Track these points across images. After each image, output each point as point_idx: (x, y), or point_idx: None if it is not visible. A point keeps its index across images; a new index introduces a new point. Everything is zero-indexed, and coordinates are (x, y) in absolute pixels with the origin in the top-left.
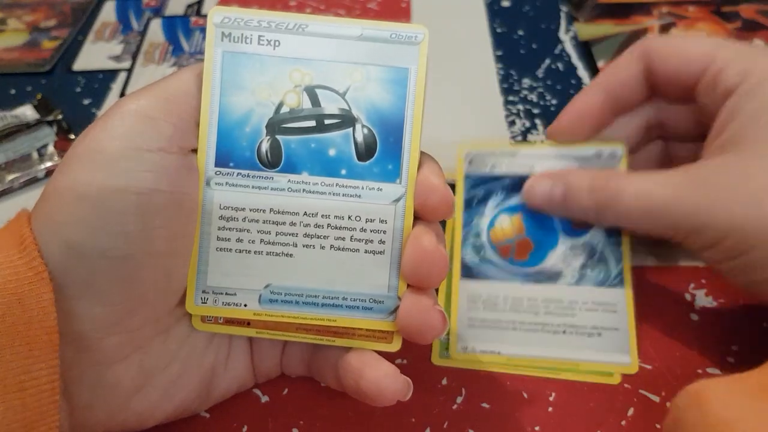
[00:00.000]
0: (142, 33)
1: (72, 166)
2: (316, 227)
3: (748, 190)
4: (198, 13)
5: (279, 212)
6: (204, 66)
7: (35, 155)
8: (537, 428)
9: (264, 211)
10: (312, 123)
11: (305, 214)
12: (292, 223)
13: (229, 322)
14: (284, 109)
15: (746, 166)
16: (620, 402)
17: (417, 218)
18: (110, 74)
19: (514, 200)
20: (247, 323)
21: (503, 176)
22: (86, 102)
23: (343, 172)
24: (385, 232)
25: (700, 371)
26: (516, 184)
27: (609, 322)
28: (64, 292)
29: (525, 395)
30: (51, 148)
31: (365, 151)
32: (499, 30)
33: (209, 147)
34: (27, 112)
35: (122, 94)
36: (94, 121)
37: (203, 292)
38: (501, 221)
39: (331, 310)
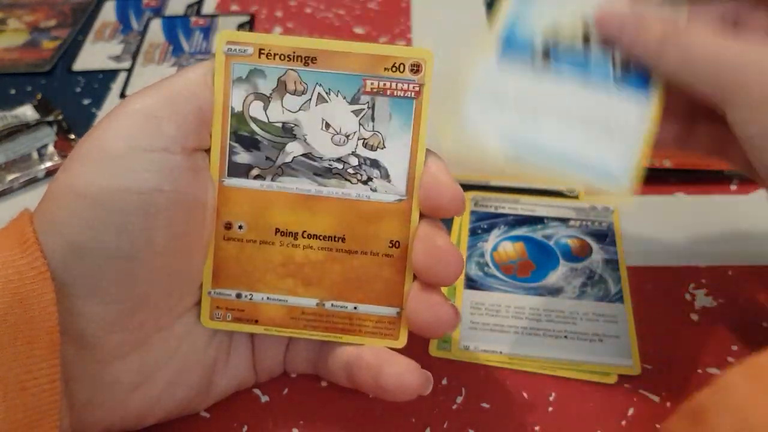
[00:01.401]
0: (142, 33)
1: (75, 166)
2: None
3: None
4: (198, 13)
5: None
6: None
7: (35, 155)
8: (537, 428)
9: None
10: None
11: None
12: None
13: (237, 319)
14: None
15: None
16: (620, 402)
17: (423, 216)
18: (110, 74)
19: (517, 232)
20: (255, 321)
21: (507, 214)
22: (86, 102)
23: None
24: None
25: (700, 371)
26: (518, 221)
27: (610, 331)
28: (65, 291)
29: (525, 395)
30: (51, 148)
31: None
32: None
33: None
34: (27, 112)
35: (122, 94)
36: (99, 121)
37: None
38: (504, 246)
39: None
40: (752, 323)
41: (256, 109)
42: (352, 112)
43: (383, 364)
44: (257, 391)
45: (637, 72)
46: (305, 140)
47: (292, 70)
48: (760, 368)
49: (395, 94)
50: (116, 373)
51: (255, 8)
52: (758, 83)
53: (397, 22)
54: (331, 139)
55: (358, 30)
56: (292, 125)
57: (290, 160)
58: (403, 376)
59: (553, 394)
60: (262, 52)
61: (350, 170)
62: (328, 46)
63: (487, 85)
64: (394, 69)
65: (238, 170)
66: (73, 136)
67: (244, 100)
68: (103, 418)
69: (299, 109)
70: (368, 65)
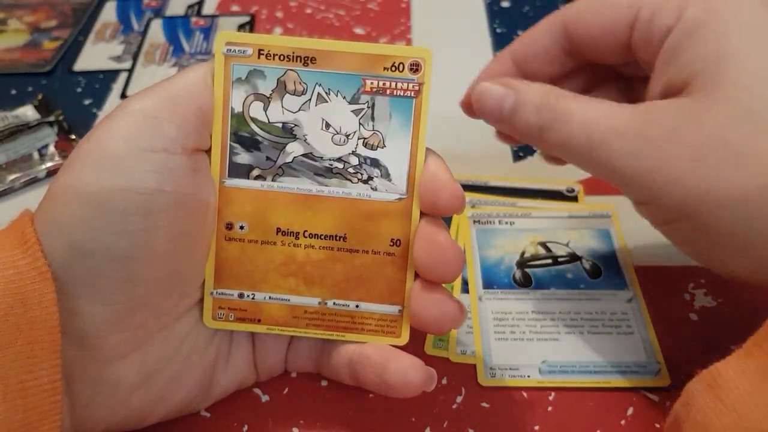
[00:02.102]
0: (143, 33)
1: (76, 166)
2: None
3: (691, 145)
4: (198, 14)
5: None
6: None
7: (36, 155)
8: (537, 428)
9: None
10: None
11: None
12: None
13: (240, 319)
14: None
15: (698, 114)
16: (620, 402)
17: (423, 214)
18: (111, 75)
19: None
20: (258, 320)
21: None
22: (87, 102)
23: (582, 286)
24: (629, 320)
25: (699, 371)
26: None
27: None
28: (66, 291)
29: (525, 395)
30: (52, 149)
31: (595, 274)
32: (499, 30)
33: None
34: (28, 112)
35: (123, 95)
36: (100, 121)
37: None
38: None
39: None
40: (752, 323)
41: (256, 110)
42: (351, 111)
43: (388, 361)
44: (257, 391)
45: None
46: (305, 140)
47: (291, 70)
48: (718, 378)
49: (395, 93)
50: (117, 373)
51: (255, 9)
52: (657, 172)
53: (397, 23)
54: (332, 138)
55: (358, 30)
56: (293, 125)
57: (291, 160)
58: (408, 372)
59: (553, 394)
60: (262, 52)
61: (351, 170)
62: (327, 46)
63: None
64: (393, 68)
65: (238, 171)
66: (73, 137)
67: (244, 101)
68: (103, 417)
69: (299, 109)
70: (367, 65)
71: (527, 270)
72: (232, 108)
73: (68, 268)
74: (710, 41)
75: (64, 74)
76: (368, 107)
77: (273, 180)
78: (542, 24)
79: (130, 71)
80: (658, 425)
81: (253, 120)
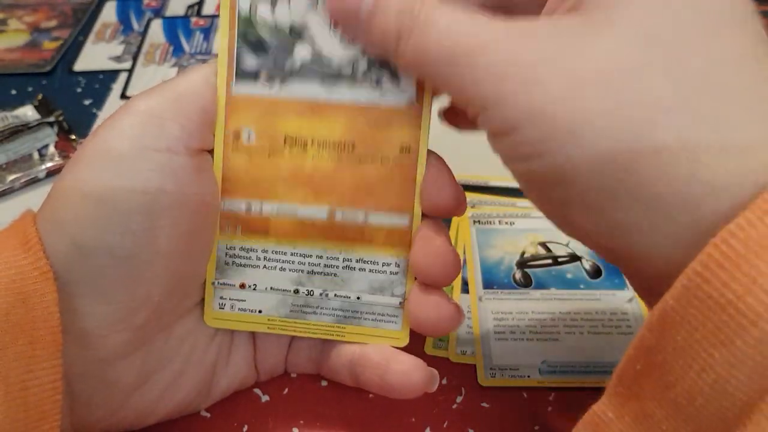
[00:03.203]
0: (143, 33)
1: (79, 166)
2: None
3: (570, 69)
4: (198, 14)
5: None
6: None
7: (36, 156)
8: (537, 428)
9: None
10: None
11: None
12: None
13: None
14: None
15: (584, 36)
16: None
17: (424, 216)
18: (111, 75)
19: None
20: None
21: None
22: (87, 102)
23: (582, 286)
24: (629, 320)
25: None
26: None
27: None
28: (68, 290)
29: (525, 395)
30: (52, 149)
31: (595, 274)
32: None
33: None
34: (28, 112)
35: (123, 95)
36: (103, 121)
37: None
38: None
39: None
40: None
41: (263, 11)
42: None
43: (389, 362)
44: (257, 391)
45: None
46: (314, 42)
47: None
48: (600, 422)
49: None
50: (118, 372)
51: None
52: (523, 94)
53: None
54: (340, 40)
55: None
56: (300, 27)
57: (299, 65)
58: (410, 373)
59: (553, 394)
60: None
61: (360, 75)
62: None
63: None
64: None
65: (246, 76)
66: (74, 137)
67: (251, 2)
68: (104, 417)
69: (307, 10)
70: None
71: (527, 270)
72: (239, 10)
73: (70, 267)
74: None
75: (64, 74)
76: None
77: (281, 85)
78: None
79: (130, 71)
80: None
81: (261, 22)
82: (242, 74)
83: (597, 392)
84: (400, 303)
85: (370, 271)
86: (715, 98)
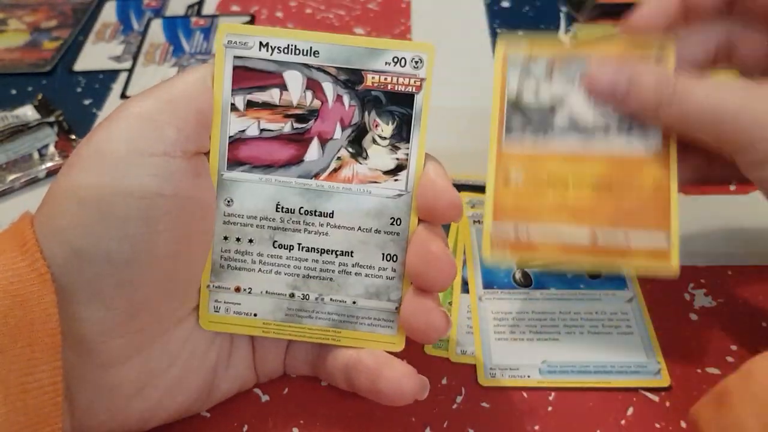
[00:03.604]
0: (143, 33)
1: (75, 169)
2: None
3: None
4: (198, 14)
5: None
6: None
7: (36, 156)
8: (537, 428)
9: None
10: None
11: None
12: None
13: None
14: None
15: None
16: (620, 402)
17: (421, 221)
18: (111, 75)
19: None
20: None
21: None
22: (87, 102)
23: (582, 286)
24: (629, 320)
25: (699, 371)
26: None
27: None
28: (66, 295)
29: (525, 395)
30: (52, 149)
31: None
32: (499, 30)
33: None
34: (28, 112)
35: (123, 95)
36: (98, 124)
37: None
38: None
39: None
40: (751, 323)
41: (528, 96)
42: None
43: (382, 368)
44: (257, 391)
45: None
46: (571, 110)
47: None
48: None
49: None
50: (117, 378)
51: (255, 9)
52: (762, 138)
53: (397, 23)
54: (594, 107)
55: (359, 30)
56: (559, 101)
57: (557, 126)
58: (401, 380)
59: (553, 394)
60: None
61: (611, 132)
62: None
63: None
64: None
65: (514, 133)
66: (73, 137)
67: (517, 90)
68: (103, 422)
69: (565, 90)
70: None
71: (527, 270)
72: (507, 92)
73: (68, 272)
74: None
75: (64, 74)
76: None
77: (543, 141)
78: None
79: (130, 71)
80: (658, 425)
81: (526, 103)
82: (510, 131)
83: (597, 392)
84: (396, 308)
85: (366, 275)
86: None
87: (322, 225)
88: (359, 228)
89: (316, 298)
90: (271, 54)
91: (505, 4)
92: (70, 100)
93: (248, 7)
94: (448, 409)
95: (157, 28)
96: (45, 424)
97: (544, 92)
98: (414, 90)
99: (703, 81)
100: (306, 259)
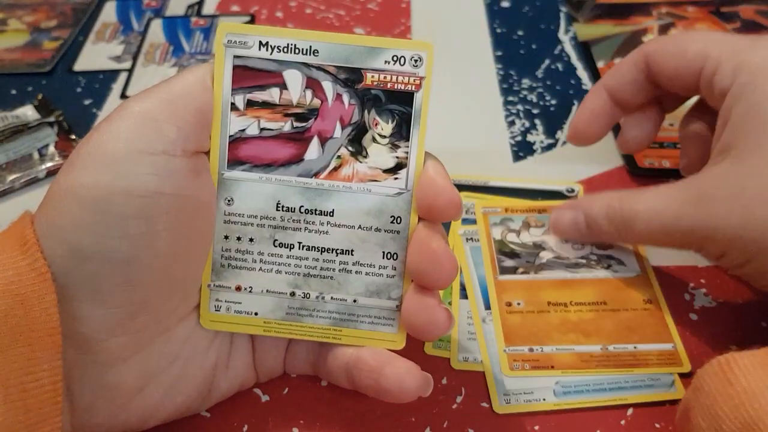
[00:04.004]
0: (143, 33)
1: (75, 168)
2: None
3: (741, 200)
4: (198, 14)
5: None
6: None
7: (36, 156)
8: (536, 428)
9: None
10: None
11: None
12: None
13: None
14: None
15: (738, 174)
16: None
17: (421, 219)
18: (111, 75)
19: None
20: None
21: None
22: (87, 102)
23: None
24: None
25: (699, 371)
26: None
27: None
28: (67, 294)
29: None
30: (52, 149)
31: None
32: (499, 30)
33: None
34: (28, 112)
35: (123, 95)
36: (98, 123)
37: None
38: None
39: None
40: (751, 323)
41: (511, 238)
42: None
43: (384, 365)
44: (257, 391)
45: None
46: (552, 249)
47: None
48: (733, 364)
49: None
50: (117, 377)
51: (255, 9)
52: (722, 233)
53: (397, 23)
54: (572, 245)
55: (359, 30)
56: (540, 242)
57: (545, 261)
58: (404, 377)
59: None
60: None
61: (593, 263)
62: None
63: None
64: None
65: (507, 271)
66: (73, 137)
67: (501, 235)
68: (104, 421)
69: (542, 235)
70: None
71: None
72: (492, 237)
73: (68, 271)
74: (753, 110)
75: (64, 74)
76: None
77: (534, 274)
78: (628, 58)
79: (130, 71)
80: (658, 425)
81: (510, 243)
82: (503, 270)
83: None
84: (397, 306)
85: (367, 273)
86: None
87: (322, 224)
88: (359, 226)
89: (317, 297)
90: (271, 53)
91: (505, 4)
92: (70, 100)
93: (248, 7)
94: (448, 409)
95: (157, 28)
96: (45, 424)
97: (526, 239)
98: (413, 88)
99: (643, 199)
100: (306, 258)
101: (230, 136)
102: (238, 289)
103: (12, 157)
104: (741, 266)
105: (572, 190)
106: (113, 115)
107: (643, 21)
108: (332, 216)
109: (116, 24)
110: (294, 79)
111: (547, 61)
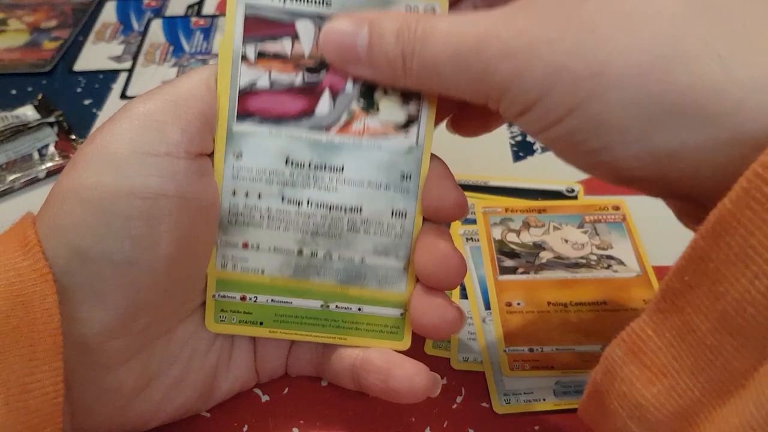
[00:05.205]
0: (143, 33)
1: (78, 169)
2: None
3: (576, 21)
4: (198, 14)
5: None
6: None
7: (36, 156)
8: (536, 428)
9: None
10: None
11: None
12: None
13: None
14: None
15: None
16: None
17: (426, 220)
18: (111, 74)
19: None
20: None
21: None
22: (87, 102)
23: None
24: None
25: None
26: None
27: None
28: (68, 296)
29: None
30: (52, 149)
31: None
32: None
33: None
34: (28, 112)
35: (123, 95)
36: (102, 124)
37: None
38: None
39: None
40: None
41: (511, 238)
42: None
43: (392, 367)
44: (258, 391)
45: None
46: (553, 249)
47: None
48: (638, 341)
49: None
50: (119, 378)
51: None
52: (538, 60)
53: None
54: (572, 246)
55: None
56: (541, 242)
57: (545, 262)
58: (414, 378)
59: None
60: None
61: (593, 263)
62: None
63: None
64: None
65: (507, 271)
66: (74, 137)
67: (501, 235)
68: (105, 422)
69: (542, 235)
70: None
71: None
72: (492, 237)
73: (70, 272)
74: None
75: (64, 74)
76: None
77: (535, 274)
78: None
79: (130, 71)
80: None
81: (510, 242)
82: (503, 270)
83: None
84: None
85: (375, 233)
86: (746, 24)
87: (331, 180)
88: (369, 183)
89: (324, 255)
90: (284, 3)
91: None
92: (70, 100)
93: None
94: (448, 409)
95: (157, 28)
96: (46, 425)
97: (526, 239)
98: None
99: (447, 18)
100: (315, 215)
101: (240, 89)
102: (246, 245)
103: (12, 157)
104: (553, 124)
105: (572, 190)
106: (117, 116)
107: None
108: (342, 172)
109: (116, 24)
110: (306, 30)
111: None
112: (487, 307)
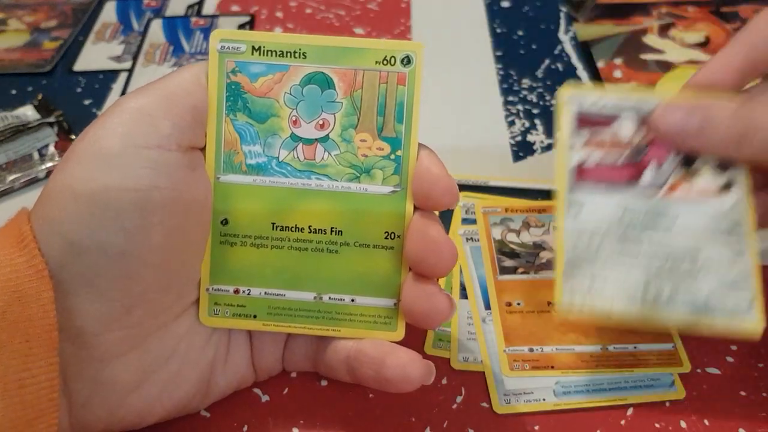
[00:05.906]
0: (143, 33)
1: (71, 164)
2: None
3: None
4: (198, 14)
5: None
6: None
7: (36, 156)
8: (536, 428)
9: None
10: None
11: None
12: None
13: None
14: None
15: None
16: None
17: (417, 209)
18: (111, 75)
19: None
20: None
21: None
22: (87, 102)
23: None
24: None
25: (699, 371)
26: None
27: None
28: (63, 289)
29: None
30: (52, 149)
31: None
32: (499, 30)
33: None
34: (28, 112)
35: (123, 95)
36: (94, 120)
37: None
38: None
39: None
40: None
41: (511, 238)
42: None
43: (385, 356)
44: (257, 391)
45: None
46: (552, 250)
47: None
48: None
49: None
50: (115, 372)
51: (255, 8)
52: None
53: (397, 23)
54: None
55: (359, 30)
56: (541, 242)
57: (545, 261)
58: (406, 367)
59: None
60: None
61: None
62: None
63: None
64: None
65: (506, 271)
66: (74, 137)
67: (501, 235)
68: (102, 417)
69: (542, 235)
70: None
71: None
72: (493, 237)
73: (65, 265)
74: None
75: (64, 74)
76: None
77: (534, 274)
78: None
79: (130, 71)
80: (658, 425)
81: (510, 242)
82: (503, 270)
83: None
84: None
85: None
86: None
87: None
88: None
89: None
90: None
91: (505, 4)
92: (70, 100)
93: (248, 7)
94: (448, 409)
95: (157, 28)
96: (42, 419)
97: (526, 239)
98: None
99: None
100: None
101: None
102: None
103: (12, 157)
104: None
105: None
106: (108, 111)
107: (643, 21)
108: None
109: (116, 24)
110: (629, 119)
111: (547, 61)
112: (487, 307)
